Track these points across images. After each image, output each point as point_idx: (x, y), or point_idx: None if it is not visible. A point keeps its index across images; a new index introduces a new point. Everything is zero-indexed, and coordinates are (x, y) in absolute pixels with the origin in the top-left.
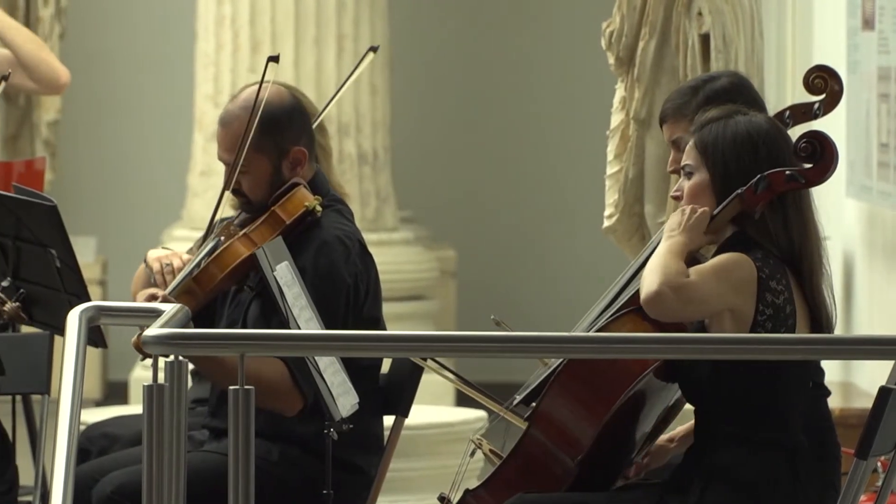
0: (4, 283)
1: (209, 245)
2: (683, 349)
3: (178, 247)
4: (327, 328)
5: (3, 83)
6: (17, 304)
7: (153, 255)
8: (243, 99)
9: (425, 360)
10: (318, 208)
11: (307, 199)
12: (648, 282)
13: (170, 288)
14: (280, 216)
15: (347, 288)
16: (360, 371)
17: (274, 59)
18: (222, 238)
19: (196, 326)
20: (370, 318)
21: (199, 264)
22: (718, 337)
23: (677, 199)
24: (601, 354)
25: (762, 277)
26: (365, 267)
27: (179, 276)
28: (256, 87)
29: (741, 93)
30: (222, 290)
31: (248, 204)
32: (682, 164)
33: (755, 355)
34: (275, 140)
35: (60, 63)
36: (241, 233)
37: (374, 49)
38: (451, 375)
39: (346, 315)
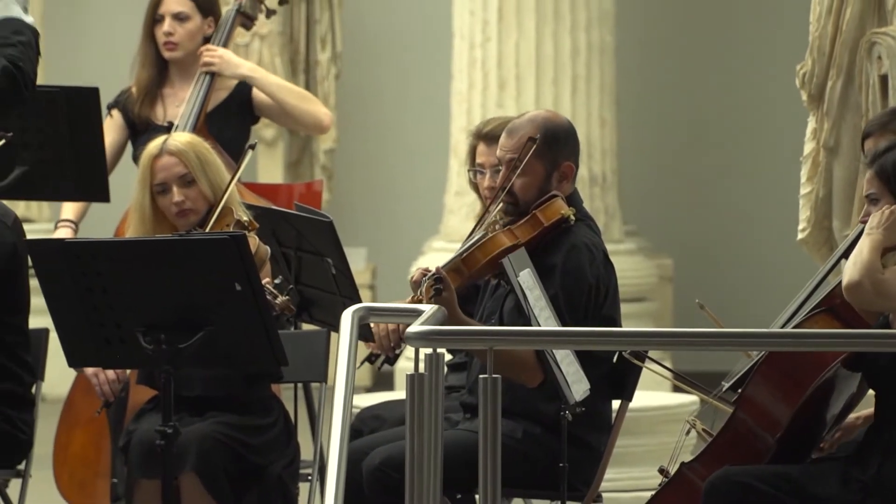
0: (276, 280)
1: (477, 235)
2: (868, 343)
3: (437, 256)
4: (570, 318)
5: (251, 151)
6: (287, 297)
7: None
8: (529, 118)
9: (643, 362)
10: (572, 218)
11: (564, 208)
12: (851, 273)
13: (443, 264)
14: (540, 219)
15: (590, 287)
16: (595, 361)
17: (533, 139)
18: (489, 231)
19: (462, 308)
20: (608, 317)
21: (468, 248)
22: None
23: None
24: (798, 348)
25: None
26: (606, 273)
27: (452, 256)
28: (539, 110)
29: None
30: (483, 276)
31: (514, 205)
32: (866, 192)
33: None
34: (552, 151)
35: (323, 108)
36: (506, 227)
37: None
38: (666, 372)
39: (586, 310)
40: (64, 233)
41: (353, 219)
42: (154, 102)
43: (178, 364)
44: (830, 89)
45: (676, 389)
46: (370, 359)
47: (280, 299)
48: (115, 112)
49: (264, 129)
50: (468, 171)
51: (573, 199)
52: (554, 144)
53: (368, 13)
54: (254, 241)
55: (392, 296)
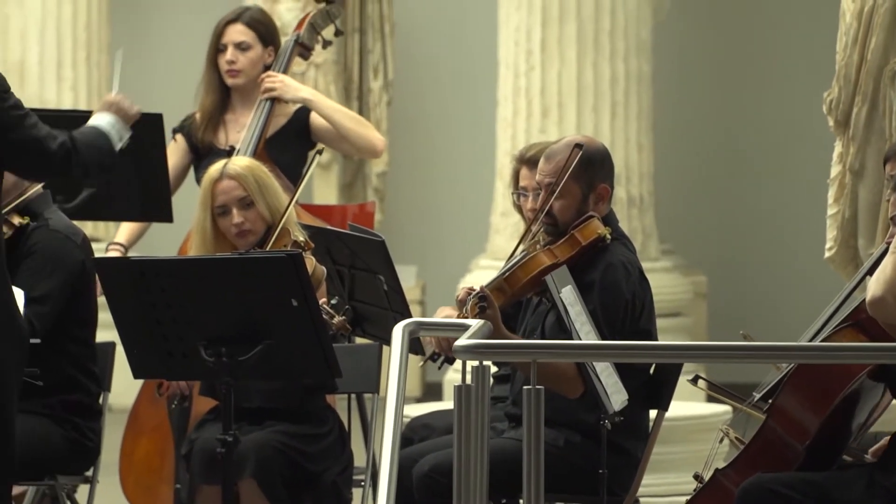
0: (333, 301)
1: (518, 256)
2: (892, 355)
3: (483, 274)
4: (608, 331)
5: (318, 157)
6: (343, 317)
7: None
8: (565, 143)
9: (695, 383)
10: (608, 237)
11: (600, 228)
12: (874, 288)
13: (487, 283)
14: (578, 238)
15: (626, 302)
16: (632, 373)
17: (579, 146)
18: (529, 251)
19: (505, 326)
20: (644, 330)
21: (510, 268)
22: None
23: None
24: (826, 360)
25: None
26: (642, 289)
27: (495, 275)
28: (576, 136)
29: None
30: (525, 294)
31: (553, 226)
32: (891, 214)
33: None
34: (588, 174)
35: (377, 133)
36: (545, 247)
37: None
38: (703, 384)
39: (623, 324)
40: (113, 255)
41: (403, 238)
42: (217, 128)
43: (238, 376)
44: (856, 115)
45: (710, 400)
46: (432, 357)
47: (337, 319)
48: (179, 137)
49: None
50: (512, 193)
51: (609, 220)
52: (590, 167)
53: (419, 44)
54: (311, 262)
55: None
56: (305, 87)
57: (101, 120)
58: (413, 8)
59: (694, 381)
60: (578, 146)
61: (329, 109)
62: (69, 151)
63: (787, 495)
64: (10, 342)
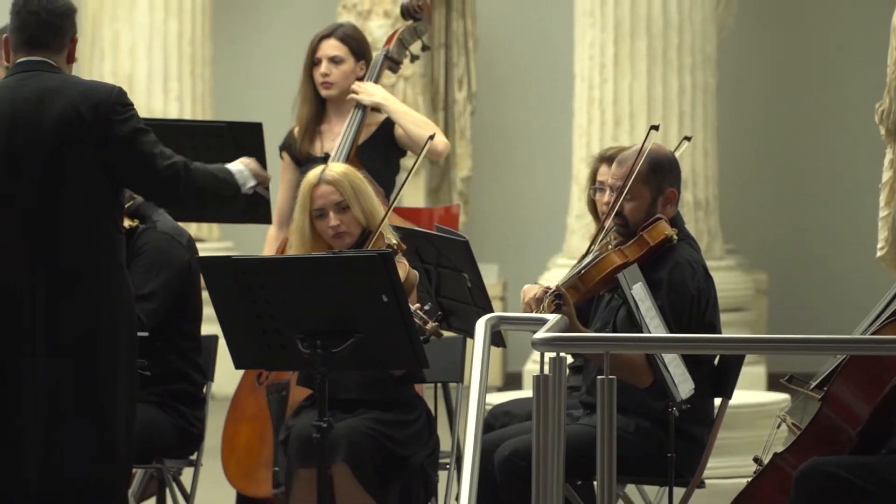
0: (426, 307)
1: (591, 255)
2: None
3: (560, 272)
4: (675, 325)
5: (429, 142)
6: (437, 323)
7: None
8: (635, 150)
9: (789, 382)
10: (675, 238)
11: (667, 229)
12: None
13: (561, 281)
14: (646, 239)
15: (692, 298)
16: (698, 363)
17: (655, 127)
18: (601, 251)
19: (579, 320)
20: (709, 324)
21: (584, 267)
22: None
23: None
24: (876, 352)
25: None
26: (707, 286)
27: (569, 273)
28: (642, 143)
29: None
30: (598, 291)
31: (624, 226)
32: None
33: None
34: (657, 178)
35: (439, 136)
36: (616, 248)
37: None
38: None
39: (689, 318)
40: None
41: (486, 238)
42: (313, 139)
43: (332, 366)
44: None
45: (770, 388)
46: None
47: (430, 325)
48: (285, 154)
49: (410, 160)
50: (589, 188)
51: (676, 221)
52: (659, 172)
53: (500, 58)
54: (404, 267)
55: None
56: (380, 91)
57: (232, 164)
58: (495, 25)
59: (789, 380)
60: (655, 127)
61: (397, 112)
62: (178, 173)
63: (841, 477)
64: (128, 332)
